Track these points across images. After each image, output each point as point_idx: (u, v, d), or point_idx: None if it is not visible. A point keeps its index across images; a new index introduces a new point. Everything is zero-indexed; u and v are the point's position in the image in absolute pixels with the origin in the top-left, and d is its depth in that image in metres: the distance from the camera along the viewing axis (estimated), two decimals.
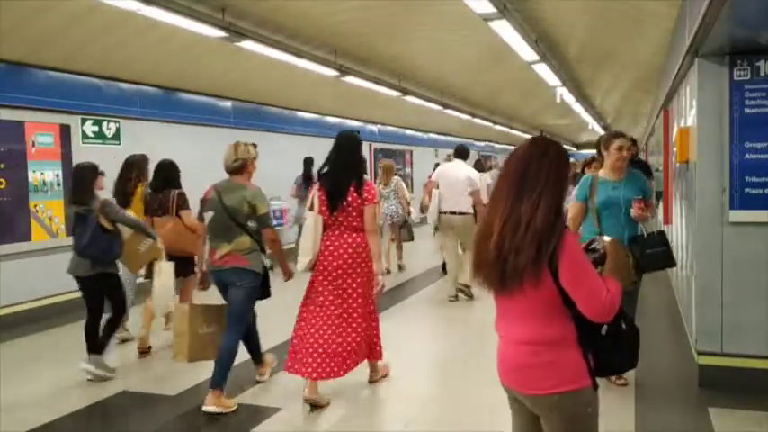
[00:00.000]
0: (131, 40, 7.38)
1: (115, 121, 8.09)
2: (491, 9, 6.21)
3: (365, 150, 15.02)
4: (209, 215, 4.40)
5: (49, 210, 7.21)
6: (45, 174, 7.14)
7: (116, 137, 8.13)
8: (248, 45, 7.63)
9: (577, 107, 16.10)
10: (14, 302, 6.78)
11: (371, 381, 4.82)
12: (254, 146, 4.60)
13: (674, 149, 5.87)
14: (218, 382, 4.28)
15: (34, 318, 6.83)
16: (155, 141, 8.63)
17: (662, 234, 4.44)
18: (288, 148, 11.37)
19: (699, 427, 3.90)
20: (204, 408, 4.25)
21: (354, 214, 4.31)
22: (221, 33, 7.01)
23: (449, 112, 15.30)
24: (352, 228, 4.34)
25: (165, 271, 5.09)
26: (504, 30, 7.14)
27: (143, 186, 5.88)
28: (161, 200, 5.58)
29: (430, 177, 11.32)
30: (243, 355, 5.58)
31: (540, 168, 2.09)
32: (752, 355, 4.40)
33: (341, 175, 4.33)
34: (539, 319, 2.09)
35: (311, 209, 4.37)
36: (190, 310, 4.45)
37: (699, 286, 4.55)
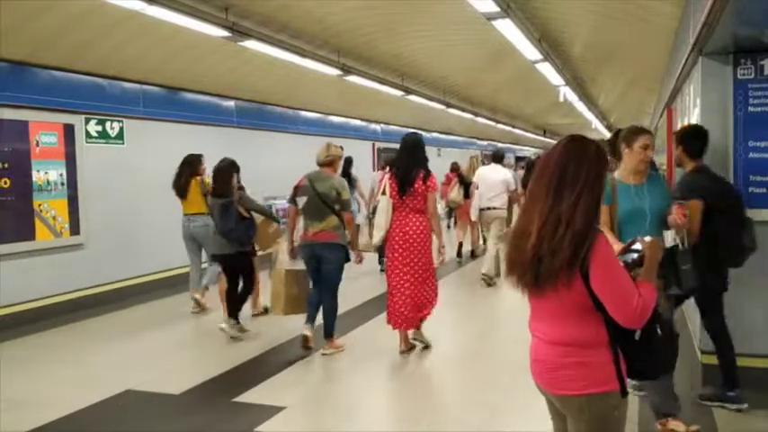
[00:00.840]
0: (135, 40, 7.39)
1: (119, 121, 8.11)
2: (494, 8, 6.21)
3: (367, 150, 15.15)
4: (302, 200, 5.45)
5: (53, 209, 7.22)
6: (49, 173, 7.16)
7: (120, 136, 8.14)
8: (251, 44, 7.64)
9: (580, 106, 16.09)
10: (18, 302, 6.79)
11: (413, 339, 5.64)
12: (341, 147, 5.79)
13: None
14: (329, 333, 5.53)
15: (37, 317, 6.85)
16: (158, 141, 8.66)
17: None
18: (291, 147, 11.38)
19: (702, 427, 3.89)
20: (322, 352, 5.49)
21: (419, 198, 5.31)
22: (224, 33, 7.02)
23: (451, 111, 15.29)
24: (416, 210, 5.34)
25: (283, 248, 5.91)
26: (508, 29, 7.13)
27: (197, 181, 7.04)
28: None
29: (447, 176, 11.56)
30: (248, 353, 5.61)
31: (579, 168, 2.05)
32: (755, 355, 4.40)
33: (409, 167, 5.34)
34: (571, 321, 2.08)
35: (383, 193, 5.38)
36: (286, 274, 5.58)
37: None
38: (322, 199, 5.38)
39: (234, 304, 6.12)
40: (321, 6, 7.42)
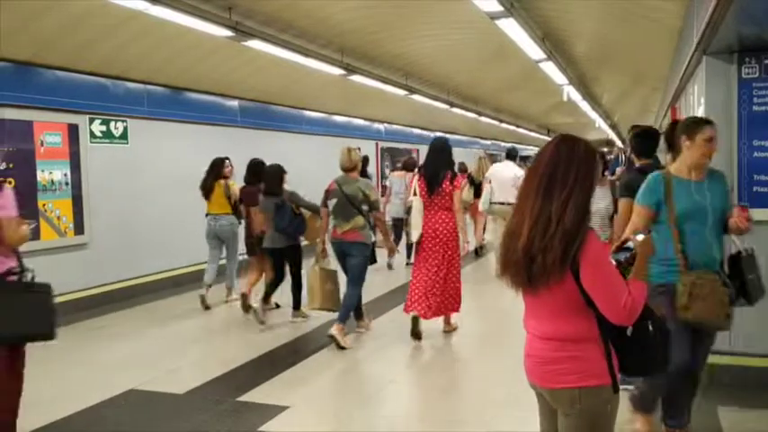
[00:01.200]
0: (138, 40, 7.40)
1: (123, 121, 8.12)
2: (498, 7, 6.21)
3: (372, 149, 15.15)
4: (332, 202, 5.89)
5: (58, 209, 7.24)
6: (53, 173, 7.17)
7: (124, 136, 8.16)
8: (255, 44, 7.65)
9: (584, 105, 16.06)
10: None
11: (446, 331, 6.10)
12: (359, 149, 6.24)
13: None
14: (342, 318, 5.75)
15: None
16: (162, 140, 8.67)
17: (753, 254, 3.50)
18: (294, 147, 11.38)
19: (708, 426, 3.88)
20: (330, 332, 5.67)
21: (447, 198, 5.78)
22: (228, 32, 7.03)
23: (455, 110, 15.28)
24: (444, 208, 5.80)
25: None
26: (511, 28, 7.12)
27: (220, 184, 7.36)
28: (255, 191, 6.87)
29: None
30: (253, 352, 5.62)
31: (569, 167, 2.07)
32: (762, 354, 4.38)
33: (437, 169, 5.82)
34: (563, 317, 2.11)
35: (414, 194, 5.87)
36: (320, 271, 6.02)
37: None
38: (350, 201, 5.80)
39: (272, 292, 6.76)
40: (324, 6, 7.42)
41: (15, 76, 6.78)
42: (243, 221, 7.44)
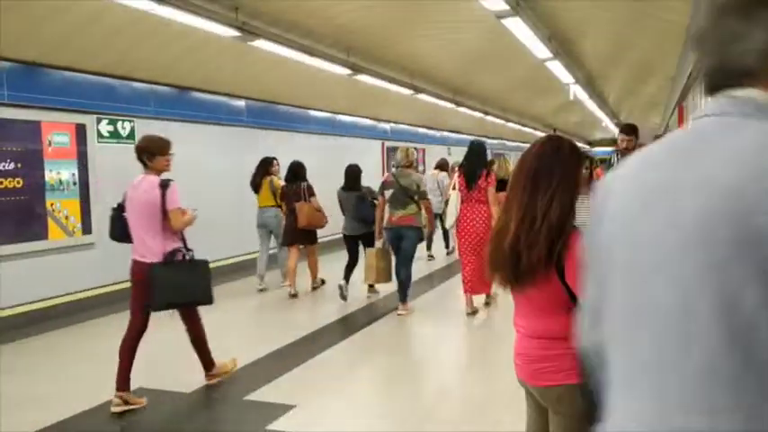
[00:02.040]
0: (145, 40, 7.43)
1: (130, 121, 8.15)
2: (504, 6, 6.20)
3: (377, 148, 15.16)
4: (389, 192, 6.87)
5: (66, 209, 7.27)
6: (61, 173, 7.21)
7: (131, 136, 8.18)
8: (261, 44, 7.67)
9: (590, 104, 16.02)
10: (31, 300, 6.85)
11: (486, 303, 7.15)
12: (416, 149, 7.18)
13: None
14: (403, 298, 6.91)
15: (50, 316, 6.90)
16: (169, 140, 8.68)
17: None
18: (301, 146, 11.40)
19: None
20: (398, 312, 6.85)
21: (483, 192, 6.59)
22: (234, 33, 7.04)
23: (461, 109, 15.26)
24: (480, 201, 6.61)
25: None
26: (518, 27, 7.12)
27: (267, 180, 8.26)
28: (295, 189, 7.77)
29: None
30: (260, 351, 5.63)
31: (553, 166, 2.11)
32: None
33: (474, 167, 6.67)
34: (550, 314, 2.12)
35: (454, 188, 6.75)
36: (377, 251, 7.12)
37: None
38: (405, 191, 6.76)
39: (350, 273, 7.59)
40: (331, 5, 7.43)
41: (24, 77, 6.81)
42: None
